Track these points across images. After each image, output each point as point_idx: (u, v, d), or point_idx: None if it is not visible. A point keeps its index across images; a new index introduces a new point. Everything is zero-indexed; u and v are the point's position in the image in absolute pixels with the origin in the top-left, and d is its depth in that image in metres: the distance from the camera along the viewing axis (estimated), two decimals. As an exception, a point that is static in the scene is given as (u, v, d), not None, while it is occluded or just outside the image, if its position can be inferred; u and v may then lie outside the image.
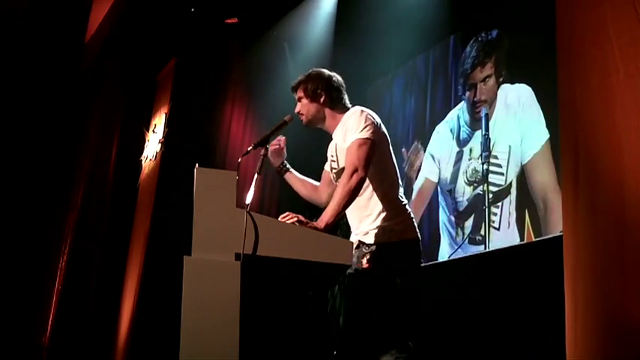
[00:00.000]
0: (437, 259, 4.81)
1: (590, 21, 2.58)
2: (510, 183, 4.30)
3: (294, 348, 4.84)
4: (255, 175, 2.51)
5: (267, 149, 2.61)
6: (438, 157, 5.07)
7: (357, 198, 2.58)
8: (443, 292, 4.35)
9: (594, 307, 2.34)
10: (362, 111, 2.71)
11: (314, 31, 6.08)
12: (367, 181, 2.61)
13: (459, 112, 4.94)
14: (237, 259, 2.21)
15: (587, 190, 2.48)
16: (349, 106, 2.84)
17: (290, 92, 2.89)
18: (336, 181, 2.79)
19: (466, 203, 4.65)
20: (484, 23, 4.85)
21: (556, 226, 3.75)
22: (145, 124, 6.85)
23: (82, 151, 7.54)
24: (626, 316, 2.19)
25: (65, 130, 7.48)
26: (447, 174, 4.93)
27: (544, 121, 4.14)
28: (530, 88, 4.34)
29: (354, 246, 2.59)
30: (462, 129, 4.88)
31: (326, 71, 2.88)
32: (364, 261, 2.56)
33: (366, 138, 2.60)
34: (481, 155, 4.59)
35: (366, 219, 2.65)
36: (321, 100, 2.80)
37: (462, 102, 4.92)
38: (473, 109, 4.81)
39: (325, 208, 2.53)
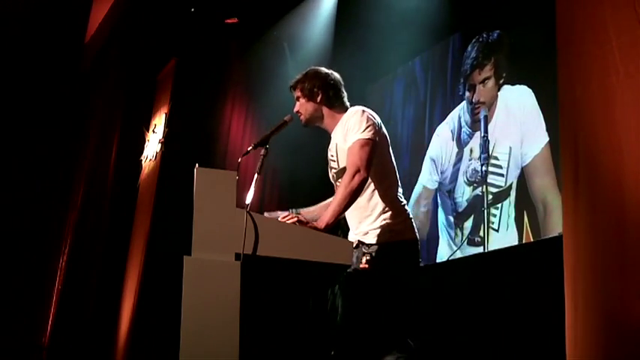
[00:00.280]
0: (435, 260, 4.81)
1: (590, 21, 2.58)
2: (510, 185, 4.30)
3: (294, 348, 4.84)
4: (255, 175, 2.51)
5: (267, 149, 2.61)
6: (438, 161, 5.06)
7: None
8: (443, 292, 4.35)
9: (594, 307, 2.34)
10: (363, 111, 2.70)
11: (314, 30, 6.08)
12: (367, 182, 2.61)
13: (460, 113, 4.94)
14: (237, 259, 2.21)
15: (587, 190, 2.48)
16: (348, 105, 2.83)
17: (290, 92, 2.89)
18: (336, 181, 2.79)
19: (465, 204, 4.65)
20: (486, 23, 4.85)
21: (555, 229, 3.75)
22: (145, 124, 6.85)
23: (82, 151, 7.54)
24: (626, 316, 2.19)
25: (65, 130, 7.48)
26: (446, 174, 4.93)
27: (544, 123, 4.13)
28: (530, 90, 4.33)
29: (353, 246, 2.59)
30: (462, 129, 4.88)
31: (323, 69, 2.87)
32: (364, 261, 2.56)
33: (368, 138, 2.60)
34: (480, 157, 4.59)
35: (366, 219, 2.65)
36: (318, 98, 2.79)
37: (463, 102, 4.92)
38: (472, 110, 4.80)
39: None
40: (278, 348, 4.87)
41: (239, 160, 2.51)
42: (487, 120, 4.64)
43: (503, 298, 3.95)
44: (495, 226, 4.34)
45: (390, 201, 2.66)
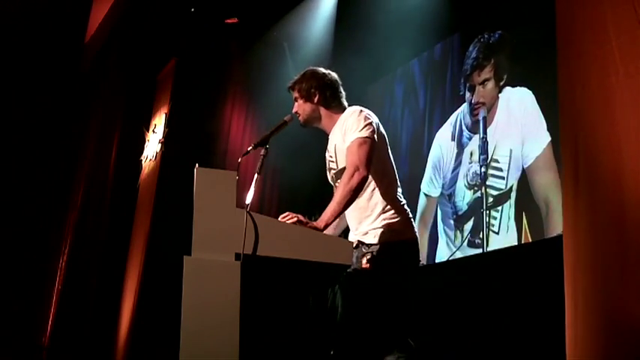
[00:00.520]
0: (434, 262, 4.81)
1: (590, 21, 2.58)
2: (511, 187, 4.29)
3: (294, 348, 4.84)
4: (255, 175, 2.51)
5: (267, 149, 2.61)
6: (439, 167, 5.04)
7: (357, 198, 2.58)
8: (443, 292, 4.35)
9: (594, 307, 2.34)
10: (360, 110, 2.70)
11: (314, 31, 6.08)
12: (367, 180, 2.61)
13: (460, 116, 4.93)
14: (237, 259, 2.21)
15: (587, 190, 2.48)
16: (346, 105, 2.83)
17: (288, 93, 2.89)
18: (335, 181, 2.79)
19: (466, 207, 4.64)
20: (487, 24, 4.84)
21: (557, 228, 3.74)
22: (145, 124, 6.85)
23: (82, 151, 7.54)
24: (626, 316, 2.19)
25: (65, 130, 7.48)
26: (447, 178, 4.92)
27: (545, 124, 4.12)
28: (531, 92, 4.32)
29: (353, 246, 2.59)
30: (462, 133, 4.87)
31: (321, 70, 2.87)
32: (364, 261, 2.56)
33: (366, 137, 2.59)
34: (479, 158, 4.59)
35: (365, 219, 2.65)
36: (315, 99, 2.79)
37: (464, 105, 4.91)
38: (472, 111, 4.80)
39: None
40: (278, 348, 4.87)
41: (239, 160, 2.51)
42: (486, 121, 4.64)
43: (503, 298, 3.95)
44: (495, 229, 4.33)
45: (390, 200, 2.66)
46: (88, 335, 6.23)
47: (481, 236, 4.42)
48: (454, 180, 4.82)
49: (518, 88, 4.44)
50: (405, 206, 2.72)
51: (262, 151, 2.60)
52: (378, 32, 5.45)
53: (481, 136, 4.63)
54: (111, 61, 7.21)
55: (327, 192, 2.93)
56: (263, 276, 2.52)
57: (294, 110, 2.83)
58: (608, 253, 2.32)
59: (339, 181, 2.73)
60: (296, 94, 2.83)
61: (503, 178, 4.37)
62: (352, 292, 2.60)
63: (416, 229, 2.72)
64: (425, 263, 4.84)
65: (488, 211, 4.42)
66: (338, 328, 2.63)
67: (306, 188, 5.46)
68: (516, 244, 4.15)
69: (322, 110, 2.81)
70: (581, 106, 2.57)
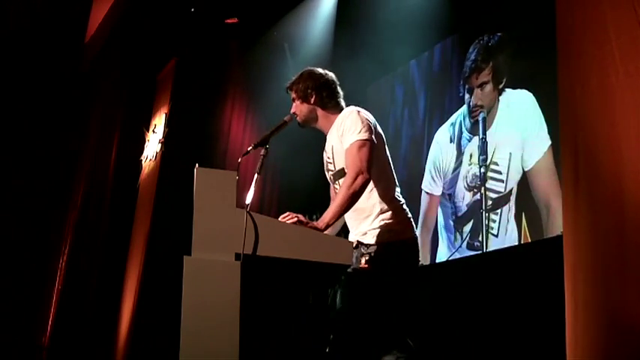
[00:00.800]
0: (435, 262, 4.81)
1: (590, 21, 2.58)
2: (510, 190, 4.28)
3: (294, 348, 4.84)
4: (255, 175, 2.51)
5: (267, 149, 2.61)
6: (439, 167, 5.04)
7: None
8: (443, 292, 4.35)
9: (594, 307, 2.34)
10: (358, 111, 2.70)
11: (314, 31, 6.08)
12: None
13: (460, 117, 4.93)
14: (237, 259, 2.21)
15: (587, 190, 2.48)
16: (343, 105, 2.83)
17: (286, 93, 2.90)
18: (334, 182, 2.79)
19: (465, 208, 4.64)
20: (487, 25, 4.83)
21: (558, 232, 3.73)
22: (145, 124, 6.85)
23: (82, 151, 7.54)
24: (626, 316, 2.19)
25: (65, 131, 7.48)
26: (447, 179, 4.92)
27: (546, 127, 4.12)
28: (531, 94, 4.31)
29: (353, 246, 2.59)
30: (462, 134, 4.87)
31: (318, 70, 2.87)
32: (363, 261, 2.56)
33: (366, 139, 2.59)
34: (479, 159, 4.58)
35: (364, 220, 2.65)
36: (312, 100, 2.79)
37: (464, 106, 4.90)
38: (471, 113, 4.80)
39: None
40: (278, 348, 4.87)
41: (239, 160, 2.51)
42: (485, 122, 4.63)
43: (503, 298, 3.95)
44: (495, 232, 4.33)
45: (389, 201, 2.66)
46: (88, 335, 6.23)
47: (480, 239, 4.42)
48: (454, 181, 4.81)
49: (518, 90, 4.43)
50: (404, 206, 2.71)
51: (262, 151, 2.60)
52: (378, 32, 5.45)
53: (481, 136, 4.62)
54: (111, 61, 7.21)
55: (327, 192, 2.93)
56: (263, 276, 2.52)
57: (292, 111, 2.84)
58: (608, 253, 2.33)
59: (337, 181, 2.74)
60: (293, 95, 2.83)
61: (502, 181, 4.37)
62: (351, 293, 2.60)
63: (417, 229, 2.72)
64: (427, 263, 4.84)
65: (487, 214, 4.42)
66: (333, 326, 2.63)
67: (306, 188, 5.46)
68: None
69: (319, 111, 2.81)
70: (581, 106, 2.57)
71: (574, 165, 2.55)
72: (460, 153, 4.83)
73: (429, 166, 5.15)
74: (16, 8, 6.73)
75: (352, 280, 2.59)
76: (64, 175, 7.51)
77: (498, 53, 4.66)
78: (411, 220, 2.71)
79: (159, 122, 6.58)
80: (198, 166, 2.30)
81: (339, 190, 2.61)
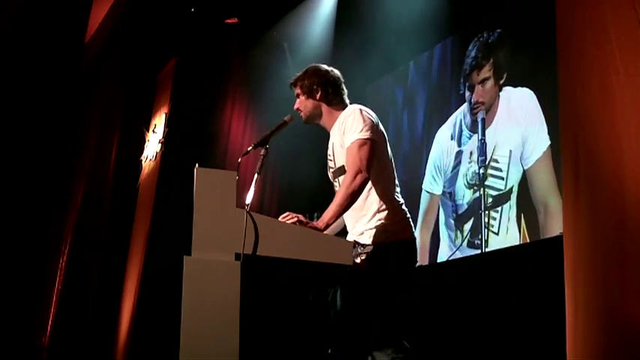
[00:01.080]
0: (436, 261, 4.80)
1: (590, 21, 2.58)
2: (511, 188, 4.28)
3: (294, 348, 4.84)
4: (255, 175, 2.51)
5: (267, 149, 2.60)
6: (440, 166, 5.04)
7: None
8: (442, 292, 4.35)
9: (594, 307, 2.34)
10: (360, 110, 2.69)
11: (314, 31, 6.08)
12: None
13: (460, 115, 4.93)
14: (237, 259, 2.21)
15: (587, 190, 2.48)
16: (347, 102, 2.83)
17: (290, 92, 2.89)
18: (334, 179, 2.79)
19: (465, 206, 4.64)
20: (487, 23, 4.83)
21: (555, 232, 3.73)
22: (145, 124, 6.86)
23: (82, 151, 7.54)
24: (627, 316, 2.19)
25: (65, 131, 7.48)
26: (447, 177, 4.92)
27: (546, 126, 4.12)
28: (533, 93, 4.31)
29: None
30: (462, 132, 4.87)
31: (323, 66, 2.87)
32: (359, 261, 2.56)
33: (367, 138, 2.59)
34: (478, 160, 4.58)
35: (361, 219, 2.65)
36: (318, 96, 2.79)
37: (464, 104, 4.90)
38: (472, 110, 4.80)
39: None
40: (278, 348, 4.87)
41: (239, 160, 2.51)
42: (485, 123, 4.63)
43: (503, 298, 3.95)
44: (495, 230, 4.33)
45: (387, 200, 2.65)
46: (88, 335, 6.24)
47: (480, 237, 4.42)
48: (454, 179, 4.81)
49: (519, 88, 4.43)
50: (403, 206, 2.70)
51: (262, 151, 2.59)
52: (378, 32, 5.45)
53: (479, 137, 4.62)
54: (111, 61, 7.21)
55: (328, 192, 2.93)
56: (263, 276, 2.52)
57: (295, 107, 2.83)
58: (608, 253, 2.32)
59: (337, 179, 2.74)
60: (298, 91, 2.83)
61: (502, 178, 4.37)
62: (348, 293, 2.60)
63: (417, 228, 2.71)
64: (428, 262, 4.83)
65: (487, 212, 4.41)
66: (333, 327, 2.63)
67: (306, 188, 5.46)
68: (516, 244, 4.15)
69: (324, 107, 2.80)
70: (581, 106, 2.56)
71: (574, 165, 2.55)
72: (460, 151, 4.83)
73: (429, 166, 5.15)
74: (16, 8, 6.73)
75: (349, 280, 2.59)
76: (64, 175, 7.52)
77: (498, 50, 4.66)
78: (410, 220, 2.70)
79: (159, 122, 6.58)
80: (198, 166, 2.30)
81: (338, 190, 2.61)
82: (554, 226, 3.81)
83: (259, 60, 6.31)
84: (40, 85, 7.20)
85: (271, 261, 2.30)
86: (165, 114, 6.46)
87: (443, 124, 5.12)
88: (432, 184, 5.09)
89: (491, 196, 4.41)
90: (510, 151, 4.35)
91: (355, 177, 2.51)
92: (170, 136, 6.29)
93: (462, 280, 4.34)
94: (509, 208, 4.25)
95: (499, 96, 4.58)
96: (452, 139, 4.96)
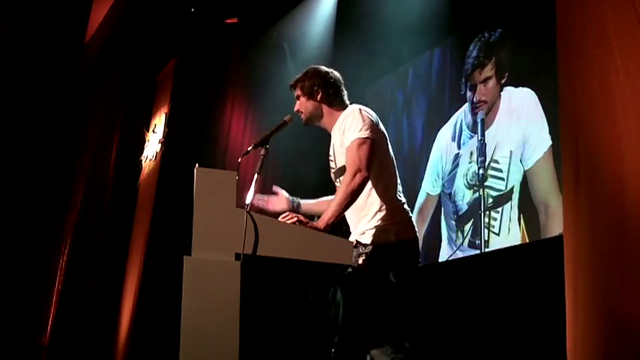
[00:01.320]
0: (436, 261, 4.80)
1: (590, 21, 2.58)
2: (512, 188, 4.27)
3: (294, 348, 4.84)
4: (255, 175, 2.51)
5: (267, 149, 2.60)
6: (440, 166, 5.03)
7: None
8: (442, 292, 4.35)
9: (594, 307, 2.34)
10: (360, 109, 2.69)
11: (314, 31, 6.07)
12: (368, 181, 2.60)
13: (462, 116, 4.92)
14: (237, 259, 2.21)
15: (587, 190, 2.48)
16: (348, 103, 2.83)
17: (290, 92, 2.89)
18: (335, 180, 2.79)
19: (466, 207, 4.63)
20: (488, 23, 4.82)
21: (556, 232, 3.73)
22: (145, 124, 6.85)
23: (82, 151, 7.55)
24: (627, 316, 2.19)
25: (65, 130, 7.49)
26: (447, 177, 4.91)
27: (547, 126, 4.11)
28: (534, 93, 4.30)
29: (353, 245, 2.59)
30: (463, 131, 4.86)
31: (323, 68, 2.87)
32: (360, 261, 2.56)
33: (366, 137, 2.59)
34: (477, 160, 4.58)
35: (363, 219, 2.64)
36: (318, 97, 2.79)
37: (465, 105, 4.90)
38: (473, 110, 4.79)
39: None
40: (278, 348, 4.87)
41: (239, 160, 2.51)
42: (484, 123, 4.63)
43: (503, 298, 3.95)
44: (496, 230, 4.32)
45: (388, 200, 2.65)
46: (88, 335, 6.24)
47: (481, 237, 4.41)
48: (454, 179, 4.81)
49: (520, 88, 4.42)
50: (405, 206, 2.70)
51: (262, 151, 2.59)
52: (378, 32, 5.44)
53: (479, 138, 4.62)
54: (111, 61, 7.21)
55: (328, 192, 2.93)
56: (263, 276, 2.52)
57: (295, 108, 2.83)
58: (608, 253, 2.32)
59: (338, 179, 2.74)
60: (298, 92, 2.83)
61: (503, 179, 4.36)
62: (349, 292, 2.60)
63: (417, 229, 2.71)
64: (429, 262, 4.83)
65: (487, 212, 4.41)
66: (337, 328, 2.63)
67: (307, 188, 5.45)
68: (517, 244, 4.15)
69: (325, 108, 2.81)
70: (581, 106, 2.57)
71: (575, 165, 2.55)
72: (460, 151, 4.82)
73: (430, 166, 5.14)
74: (16, 8, 6.74)
75: (350, 279, 2.59)
76: (64, 175, 7.52)
77: (500, 49, 4.65)
78: (411, 220, 2.69)
79: (159, 122, 6.58)
80: (198, 166, 2.30)
81: (337, 189, 2.61)
82: (555, 226, 3.80)
83: (259, 60, 6.31)
84: (40, 85, 7.21)
85: (271, 261, 2.30)
86: (166, 114, 6.46)
87: (443, 124, 5.11)
88: (430, 185, 5.09)
89: (492, 196, 4.41)
90: (511, 151, 4.35)
91: (354, 176, 2.51)
92: (170, 136, 6.29)
93: (462, 280, 4.34)
94: (511, 209, 4.25)
95: (500, 96, 4.57)
96: (452, 139, 4.96)
